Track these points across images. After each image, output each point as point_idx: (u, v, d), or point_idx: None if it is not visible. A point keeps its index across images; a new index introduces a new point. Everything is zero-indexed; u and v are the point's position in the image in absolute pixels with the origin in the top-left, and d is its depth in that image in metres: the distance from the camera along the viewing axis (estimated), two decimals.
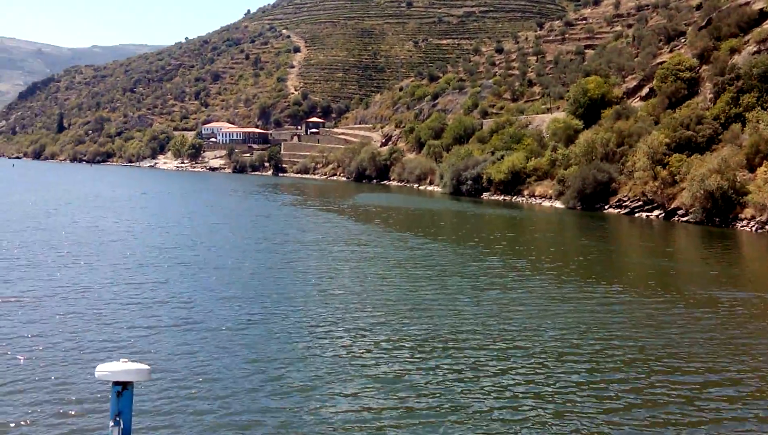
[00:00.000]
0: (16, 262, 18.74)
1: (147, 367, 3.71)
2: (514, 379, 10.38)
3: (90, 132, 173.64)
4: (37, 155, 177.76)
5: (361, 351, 11.61)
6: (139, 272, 18.18)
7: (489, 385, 10.10)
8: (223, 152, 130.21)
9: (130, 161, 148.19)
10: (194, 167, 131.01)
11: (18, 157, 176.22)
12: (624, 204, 44.70)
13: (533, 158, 56.05)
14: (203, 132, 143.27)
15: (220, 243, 25.10)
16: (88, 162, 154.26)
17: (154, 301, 14.76)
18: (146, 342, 11.76)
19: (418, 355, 11.43)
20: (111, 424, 3.60)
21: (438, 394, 9.70)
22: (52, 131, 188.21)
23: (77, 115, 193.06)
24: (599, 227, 36.79)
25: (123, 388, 3.63)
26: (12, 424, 8.34)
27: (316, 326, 13.14)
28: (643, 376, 10.67)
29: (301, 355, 11.27)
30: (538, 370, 10.81)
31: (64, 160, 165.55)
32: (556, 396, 9.71)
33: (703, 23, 53.32)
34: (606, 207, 45.89)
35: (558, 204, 49.84)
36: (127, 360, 3.72)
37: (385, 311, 14.43)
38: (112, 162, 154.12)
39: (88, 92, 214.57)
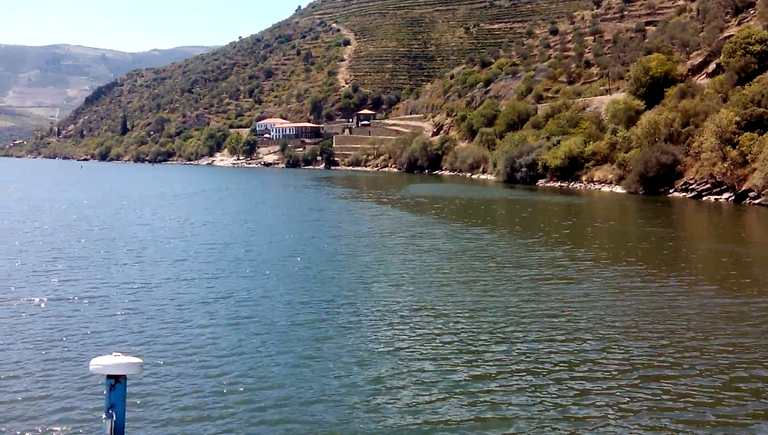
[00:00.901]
0: (85, 261, 19.42)
1: (139, 360, 3.76)
2: (585, 381, 9.82)
3: (151, 133, 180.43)
4: (104, 157, 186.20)
5: (420, 351, 11.26)
6: (197, 269, 18.48)
7: (558, 386, 9.58)
8: (277, 147, 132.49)
9: (189, 160, 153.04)
10: (249, 163, 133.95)
11: (86, 159, 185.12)
12: (690, 187, 42.51)
13: (591, 142, 54.12)
14: (257, 128, 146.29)
15: (275, 238, 25.33)
16: (150, 162, 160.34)
17: (212, 298, 14.92)
18: (205, 339, 11.84)
19: (478, 354, 11.01)
20: (104, 416, 3.69)
21: (502, 395, 9.27)
22: (117, 133, 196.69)
23: (139, 117, 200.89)
24: (665, 212, 35.08)
25: (116, 381, 3.68)
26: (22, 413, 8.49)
27: (372, 323, 12.91)
28: (725, 379, 9.89)
29: (355, 355, 11.04)
30: (608, 372, 10.19)
31: (128, 160, 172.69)
32: (630, 402, 9.11)
33: None
34: (671, 191, 43.77)
35: (619, 189, 47.94)
36: (119, 353, 3.76)
37: (443, 307, 14.05)
38: (173, 161, 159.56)
39: (149, 94, 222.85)
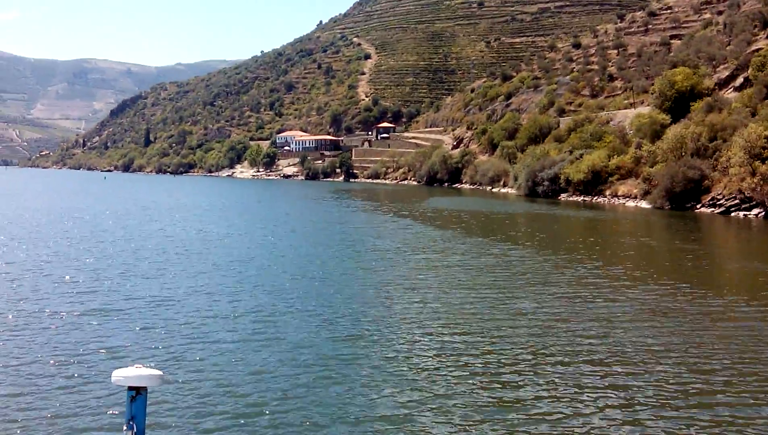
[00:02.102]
0: (107, 273, 19.33)
1: (159, 372, 3.79)
2: (628, 409, 9.30)
3: (173, 145, 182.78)
4: (126, 168, 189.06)
5: (450, 374, 10.80)
6: (219, 283, 18.25)
7: (603, 413, 9.07)
8: (296, 160, 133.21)
9: (210, 171, 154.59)
10: (269, 175, 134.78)
11: (109, 171, 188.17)
12: (718, 202, 41.53)
13: (615, 156, 53.39)
14: (277, 141, 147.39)
15: (298, 252, 25.08)
16: (171, 173, 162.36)
17: (234, 313, 14.64)
18: (227, 355, 11.54)
19: (512, 379, 10.52)
20: (124, 428, 3.72)
21: (538, 423, 8.80)
22: (140, 145, 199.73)
23: (162, 129, 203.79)
24: (694, 228, 34.21)
25: (136, 393, 3.71)
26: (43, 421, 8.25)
27: (400, 343, 12.50)
28: None
29: (381, 377, 10.63)
30: (653, 399, 9.64)
31: (150, 171, 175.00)
32: (679, 430, 8.58)
33: None
34: (698, 206, 42.82)
35: (644, 204, 47.07)
36: (141, 365, 3.78)
37: (473, 327, 13.57)
38: (194, 172, 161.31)
39: (172, 107, 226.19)
